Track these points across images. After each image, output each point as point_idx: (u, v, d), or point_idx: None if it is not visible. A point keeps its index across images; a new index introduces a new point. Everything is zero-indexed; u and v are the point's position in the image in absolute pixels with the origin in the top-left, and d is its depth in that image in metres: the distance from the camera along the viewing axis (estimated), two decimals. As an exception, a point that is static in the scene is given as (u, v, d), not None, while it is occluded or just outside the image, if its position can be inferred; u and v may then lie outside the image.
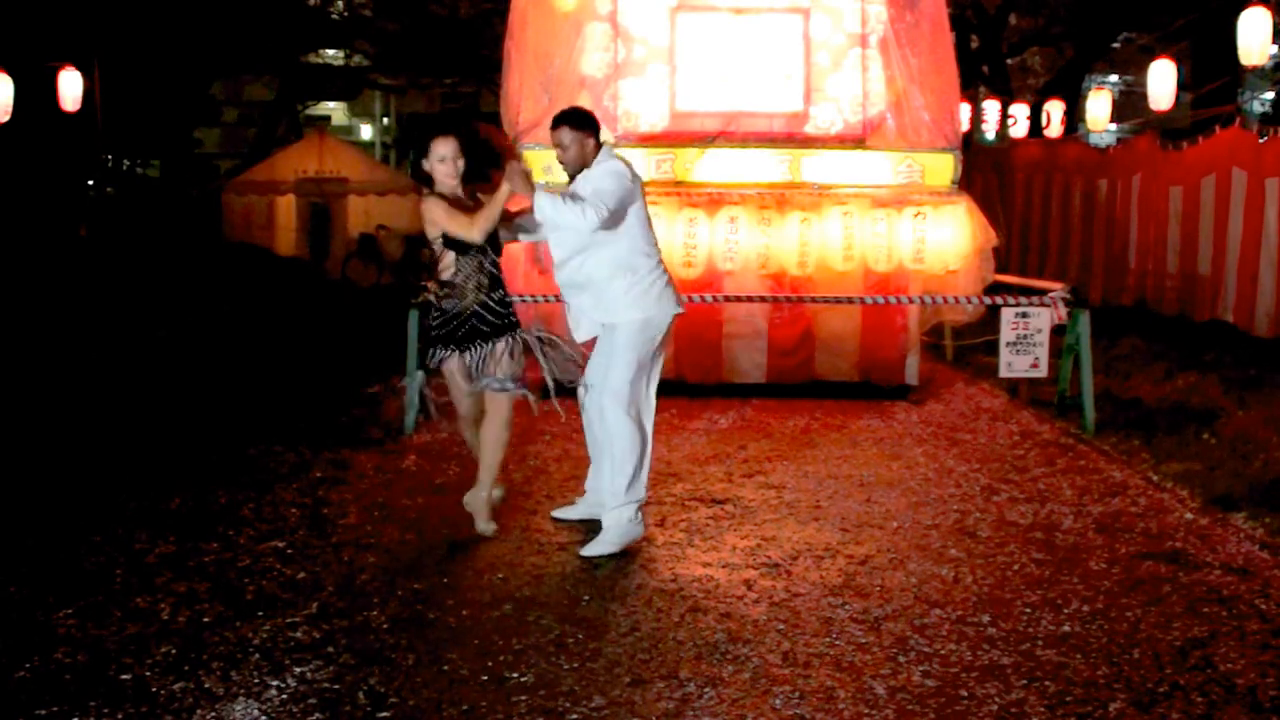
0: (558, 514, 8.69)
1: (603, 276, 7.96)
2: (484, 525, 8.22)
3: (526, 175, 7.78)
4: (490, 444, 8.14)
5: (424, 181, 8.12)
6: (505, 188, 7.68)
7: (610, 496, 7.99)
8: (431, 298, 8.20)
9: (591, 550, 7.87)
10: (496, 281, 8.05)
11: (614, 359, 8.01)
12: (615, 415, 7.97)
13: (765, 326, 13.37)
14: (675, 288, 8.28)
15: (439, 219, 7.82)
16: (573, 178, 8.08)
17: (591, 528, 8.18)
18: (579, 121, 8.05)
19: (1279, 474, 9.78)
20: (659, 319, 8.09)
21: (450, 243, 7.88)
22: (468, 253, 7.90)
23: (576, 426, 10.75)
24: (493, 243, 7.98)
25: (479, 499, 8.25)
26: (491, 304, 8.00)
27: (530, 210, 7.96)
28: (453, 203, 7.90)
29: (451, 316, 8.04)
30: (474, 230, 7.75)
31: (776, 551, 7.92)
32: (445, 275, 8.01)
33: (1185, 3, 25.32)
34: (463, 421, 8.43)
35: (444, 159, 7.98)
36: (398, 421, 11.55)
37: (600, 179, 7.84)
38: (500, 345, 7.99)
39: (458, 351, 8.03)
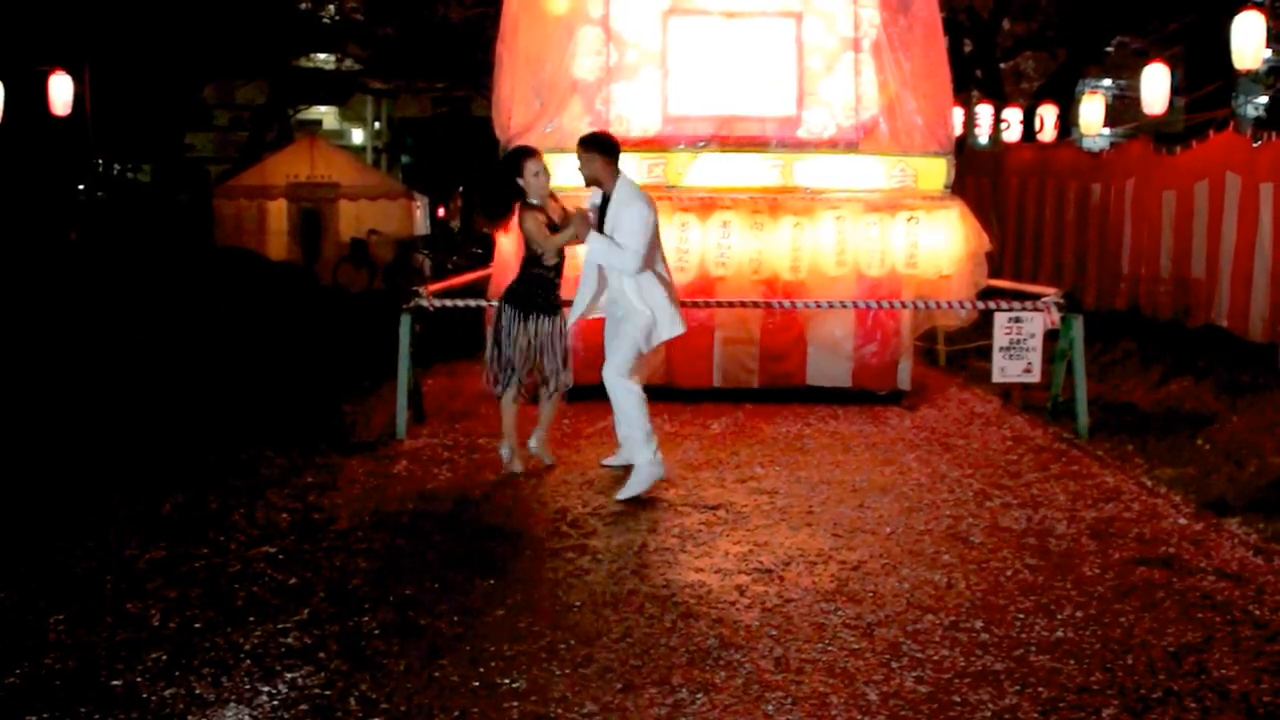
0: (606, 461, 10.39)
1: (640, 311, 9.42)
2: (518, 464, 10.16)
3: (588, 221, 9.50)
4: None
5: (513, 194, 9.77)
6: (571, 230, 9.52)
7: (631, 449, 9.61)
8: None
9: (626, 494, 9.30)
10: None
11: (620, 342, 9.45)
12: (618, 384, 9.40)
13: (757, 332, 13.36)
14: (680, 310, 9.64)
15: (533, 232, 9.63)
16: (588, 184, 9.71)
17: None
18: (587, 144, 9.63)
19: (1273, 479, 9.78)
20: (663, 332, 9.48)
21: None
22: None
23: (570, 431, 10.74)
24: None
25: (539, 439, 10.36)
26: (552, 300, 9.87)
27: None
28: (544, 213, 9.72)
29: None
30: (548, 248, 9.68)
31: (769, 557, 7.91)
32: (549, 262, 9.79)
33: (1179, 6, 25.34)
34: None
35: (537, 173, 9.69)
36: (389, 427, 11.52)
37: (634, 221, 9.27)
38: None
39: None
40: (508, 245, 12.20)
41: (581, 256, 9.82)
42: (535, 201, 9.64)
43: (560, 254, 9.76)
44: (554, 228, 9.64)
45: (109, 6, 28.65)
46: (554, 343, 9.80)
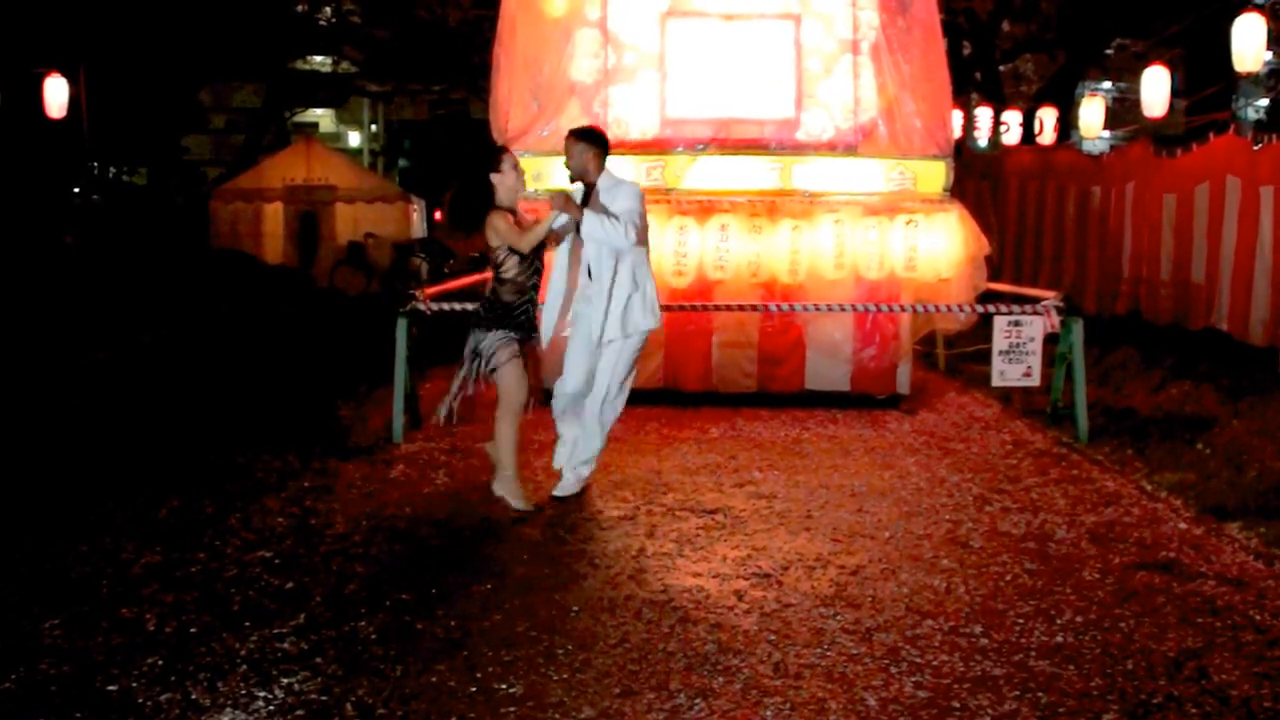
0: (558, 493, 9.51)
1: (624, 289, 9.13)
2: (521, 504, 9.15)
3: (572, 201, 8.98)
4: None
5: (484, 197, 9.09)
6: (554, 213, 8.85)
7: (585, 465, 9.51)
8: (488, 292, 9.18)
9: (563, 492, 9.44)
10: (536, 287, 9.11)
11: (619, 367, 9.24)
12: (611, 413, 9.36)
13: (756, 335, 13.33)
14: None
15: (502, 230, 8.82)
16: (572, 181, 9.37)
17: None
18: (581, 136, 9.37)
19: (1274, 483, 9.75)
20: (650, 330, 9.36)
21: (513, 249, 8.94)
22: (526, 258, 8.92)
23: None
24: (537, 251, 9.04)
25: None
26: (533, 303, 9.12)
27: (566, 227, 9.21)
28: (513, 215, 9.01)
29: (511, 307, 8.97)
30: (524, 244, 8.83)
31: (767, 562, 7.88)
32: (508, 274, 8.93)
33: (1179, 9, 25.31)
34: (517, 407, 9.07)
35: (515, 166, 9.10)
36: (386, 430, 11.49)
37: (628, 199, 9.06)
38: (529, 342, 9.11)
39: (513, 334, 8.94)
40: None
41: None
42: (504, 204, 8.96)
43: (536, 264, 9.01)
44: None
45: (104, 9, 28.63)
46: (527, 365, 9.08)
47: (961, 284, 12.92)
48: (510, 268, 8.91)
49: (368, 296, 25.30)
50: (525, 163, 12.55)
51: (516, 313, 8.95)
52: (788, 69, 13.34)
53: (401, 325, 11.48)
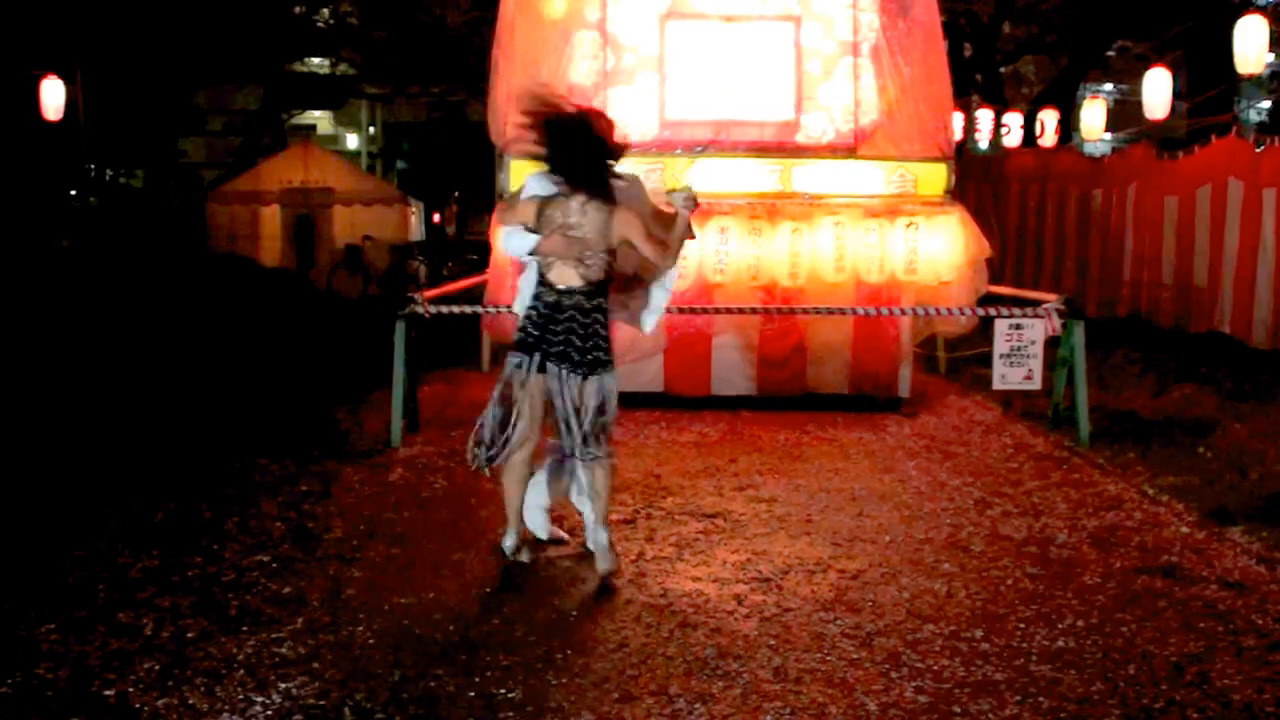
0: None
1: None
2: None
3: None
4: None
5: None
6: (684, 216, 7.33)
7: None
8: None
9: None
10: None
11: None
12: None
13: (756, 338, 13.27)
14: None
15: (637, 236, 7.23)
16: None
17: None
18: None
19: (1276, 488, 9.73)
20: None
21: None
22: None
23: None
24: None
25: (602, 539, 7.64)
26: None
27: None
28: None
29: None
30: (668, 260, 7.41)
31: (767, 566, 7.86)
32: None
33: (1181, 11, 25.27)
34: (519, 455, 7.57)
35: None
36: (384, 434, 11.46)
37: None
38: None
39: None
40: (500, 250, 11.99)
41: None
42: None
43: (605, 269, 7.39)
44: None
45: (102, 10, 28.60)
46: (583, 405, 7.41)
47: (962, 287, 12.89)
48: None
49: (366, 299, 25.27)
50: (523, 165, 12.60)
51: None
52: (787, 71, 13.31)
53: (400, 328, 11.44)
